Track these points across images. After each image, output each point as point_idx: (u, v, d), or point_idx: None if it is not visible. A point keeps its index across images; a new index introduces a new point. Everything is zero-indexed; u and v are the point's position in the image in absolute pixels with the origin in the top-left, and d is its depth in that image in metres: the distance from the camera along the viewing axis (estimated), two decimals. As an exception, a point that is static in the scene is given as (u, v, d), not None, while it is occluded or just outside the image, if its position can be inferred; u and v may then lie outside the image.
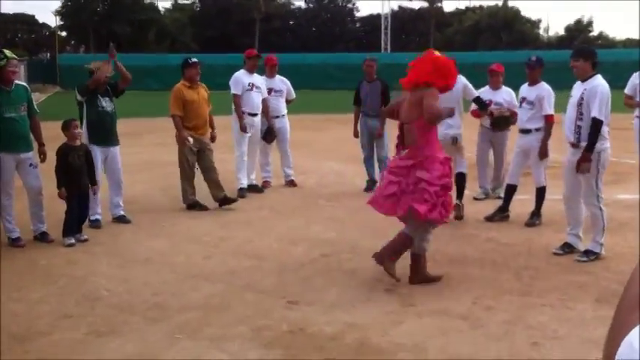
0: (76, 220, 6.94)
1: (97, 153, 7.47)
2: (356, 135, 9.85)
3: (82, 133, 7.15)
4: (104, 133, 7.58)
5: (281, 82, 10.09)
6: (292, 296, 5.13)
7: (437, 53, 5.86)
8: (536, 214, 7.63)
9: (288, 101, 10.22)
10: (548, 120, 7.50)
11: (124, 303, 5.13)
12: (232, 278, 5.72)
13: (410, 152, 5.55)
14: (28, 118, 6.96)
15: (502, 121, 8.39)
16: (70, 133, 7.00)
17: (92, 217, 7.51)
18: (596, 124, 5.97)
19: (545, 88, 7.55)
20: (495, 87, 8.79)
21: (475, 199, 8.91)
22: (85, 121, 7.51)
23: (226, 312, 4.91)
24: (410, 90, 5.64)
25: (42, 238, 7.03)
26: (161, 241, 6.94)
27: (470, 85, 7.74)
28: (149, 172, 10.85)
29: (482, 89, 8.77)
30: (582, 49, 6.62)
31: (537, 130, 7.51)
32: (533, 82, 7.62)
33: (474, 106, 8.80)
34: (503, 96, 8.69)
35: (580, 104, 6.06)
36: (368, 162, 9.76)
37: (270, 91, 9.82)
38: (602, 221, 6.13)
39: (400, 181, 5.46)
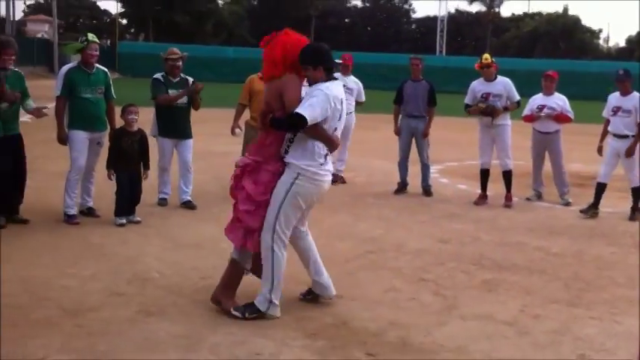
0: (127, 201, 7.09)
1: (165, 143, 7.85)
2: (397, 133, 9.73)
3: (136, 119, 7.23)
4: (172, 125, 7.85)
5: (354, 82, 10.24)
6: (337, 290, 5.14)
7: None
8: (637, 209, 8.32)
9: (358, 102, 10.31)
10: None
11: (174, 285, 5.23)
12: (278, 269, 5.75)
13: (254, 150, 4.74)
14: (105, 101, 7.27)
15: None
16: (125, 118, 7.18)
17: (160, 196, 7.98)
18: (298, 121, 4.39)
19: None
20: (549, 92, 9.20)
21: (528, 199, 9.32)
22: (154, 113, 7.90)
23: (271, 301, 4.94)
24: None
25: (88, 212, 7.28)
26: (210, 227, 7.02)
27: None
28: (204, 161, 10.96)
29: (536, 95, 9.31)
30: (314, 52, 4.56)
31: (633, 136, 8.16)
32: (625, 93, 8.27)
33: (526, 111, 9.03)
34: (556, 101, 9.13)
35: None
36: (402, 164, 9.62)
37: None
38: (272, 269, 4.59)
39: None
